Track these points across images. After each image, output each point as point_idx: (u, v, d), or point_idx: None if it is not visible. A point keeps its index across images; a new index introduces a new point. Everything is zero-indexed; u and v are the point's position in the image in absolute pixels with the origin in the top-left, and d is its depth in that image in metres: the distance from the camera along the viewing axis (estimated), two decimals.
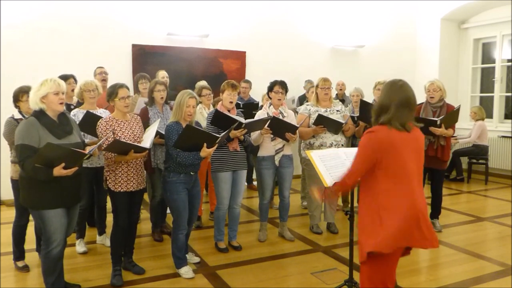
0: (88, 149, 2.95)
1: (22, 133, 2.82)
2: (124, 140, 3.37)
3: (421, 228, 2.34)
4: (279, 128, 4.21)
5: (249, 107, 5.67)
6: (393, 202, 2.34)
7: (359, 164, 2.44)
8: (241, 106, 5.69)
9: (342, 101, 6.48)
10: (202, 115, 4.64)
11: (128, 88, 3.54)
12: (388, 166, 2.35)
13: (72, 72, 4.81)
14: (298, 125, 4.30)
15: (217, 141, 3.51)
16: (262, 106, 5.53)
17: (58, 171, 2.76)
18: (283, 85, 4.37)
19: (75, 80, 4.65)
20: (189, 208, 3.68)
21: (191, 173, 3.64)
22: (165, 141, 3.59)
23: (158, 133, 3.78)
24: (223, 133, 3.63)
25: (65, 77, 4.62)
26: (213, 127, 3.94)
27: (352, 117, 4.64)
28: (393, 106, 2.36)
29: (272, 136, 4.35)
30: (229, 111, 4.11)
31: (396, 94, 2.39)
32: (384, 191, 2.36)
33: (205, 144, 3.45)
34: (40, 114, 2.88)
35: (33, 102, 2.89)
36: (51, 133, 2.86)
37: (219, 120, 3.93)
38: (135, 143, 3.43)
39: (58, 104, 2.90)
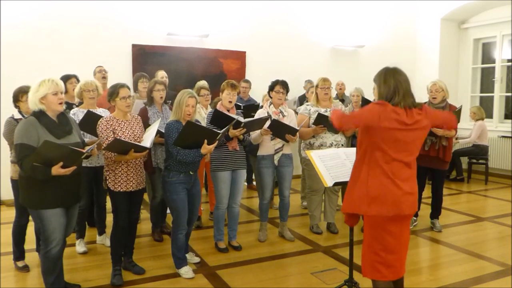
0: (86, 148, 2.95)
1: (21, 132, 2.82)
2: (124, 140, 3.37)
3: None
4: (279, 129, 4.22)
5: (250, 109, 5.66)
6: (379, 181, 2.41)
7: (359, 116, 2.49)
8: (242, 108, 5.69)
9: (342, 100, 6.49)
10: (200, 115, 4.64)
11: (129, 88, 3.53)
12: (380, 142, 2.40)
13: (72, 72, 4.80)
14: (298, 128, 4.30)
15: (217, 137, 3.50)
16: (262, 106, 5.53)
17: (56, 170, 2.76)
18: (284, 85, 4.38)
19: (78, 80, 4.65)
20: (189, 208, 3.68)
21: (191, 172, 3.64)
22: (165, 139, 3.60)
23: (158, 132, 3.78)
24: (223, 129, 3.63)
25: (67, 77, 4.63)
26: (212, 127, 3.95)
27: None
28: (400, 85, 2.43)
29: (272, 136, 4.35)
30: (228, 110, 4.11)
31: (398, 74, 2.47)
32: (374, 168, 2.43)
33: (205, 141, 3.44)
34: (39, 114, 2.88)
35: (32, 103, 2.89)
36: (50, 133, 2.86)
37: (219, 119, 3.94)
38: (135, 143, 3.43)
39: (58, 104, 2.90)
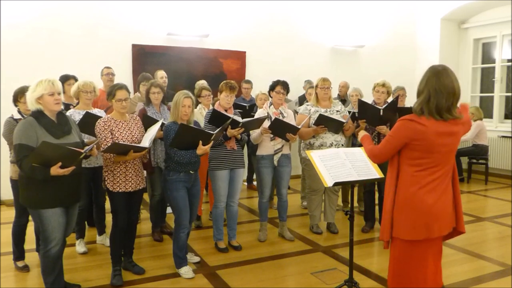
0: (85, 148, 2.94)
1: (20, 133, 2.82)
2: (122, 142, 3.37)
3: (439, 221, 2.35)
4: (280, 128, 4.22)
5: (253, 109, 5.67)
6: (415, 193, 2.33)
7: (388, 144, 2.41)
8: (247, 107, 5.68)
9: (343, 101, 6.48)
10: (201, 115, 4.64)
11: (128, 90, 3.53)
12: (416, 156, 2.33)
13: (72, 72, 4.82)
14: (299, 126, 4.30)
15: (212, 138, 3.54)
16: (256, 106, 5.50)
17: (55, 170, 2.76)
18: (284, 85, 4.38)
19: (76, 81, 4.65)
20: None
21: (191, 171, 3.65)
22: (164, 141, 3.62)
23: (162, 125, 3.78)
24: (217, 130, 3.66)
25: (66, 78, 4.63)
26: (210, 126, 3.96)
27: (353, 114, 4.62)
28: (431, 93, 2.28)
29: (271, 136, 4.35)
30: (226, 110, 4.12)
31: (440, 79, 2.30)
32: (409, 181, 2.35)
33: (200, 142, 3.48)
34: (38, 114, 2.88)
35: (30, 102, 2.90)
36: (49, 133, 2.86)
37: (217, 119, 3.94)
38: (134, 144, 3.42)
39: (54, 104, 2.89)
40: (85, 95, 4.11)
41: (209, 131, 3.62)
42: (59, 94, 2.92)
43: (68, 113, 4.01)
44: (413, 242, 2.38)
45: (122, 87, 3.47)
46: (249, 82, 6.69)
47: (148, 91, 4.38)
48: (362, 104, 4.49)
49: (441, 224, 2.37)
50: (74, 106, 4.35)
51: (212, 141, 3.58)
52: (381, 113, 4.35)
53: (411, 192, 2.34)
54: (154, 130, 3.54)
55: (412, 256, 2.41)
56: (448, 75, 2.32)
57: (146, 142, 3.44)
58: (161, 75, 5.58)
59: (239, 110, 4.55)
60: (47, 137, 2.81)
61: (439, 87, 2.28)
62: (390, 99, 4.82)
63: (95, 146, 3.06)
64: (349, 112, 4.66)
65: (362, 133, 2.86)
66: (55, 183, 2.86)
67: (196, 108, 4.85)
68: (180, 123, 3.44)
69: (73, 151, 2.80)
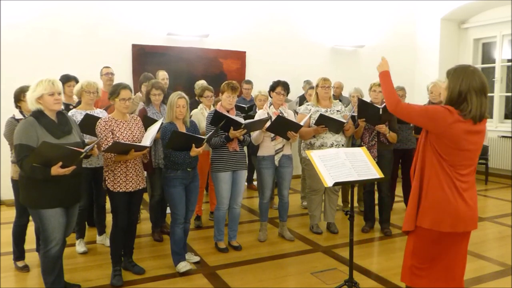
0: (85, 148, 2.94)
1: (20, 133, 2.82)
2: (123, 141, 3.37)
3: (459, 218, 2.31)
4: (282, 127, 4.21)
5: (253, 109, 5.68)
6: (444, 190, 2.29)
7: (425, 109, 2.31)
8: (247, 108, 5.68)
9: (339, 101, 6.48)
10: (203, 115, 4.65)
11: (131, 90, 3.54)
12: (446, 152, 2.28)
13: (72, 72, 4.80)
14: (302, 123, 4.29)
15: (203, 142, 3.65)
16: (255, 106, 5.50)
17: (56, 170, 2.75)
18: (285, 86, 4.39)
19: (77, 82, 4.64)
20: (185, 202, 3.73)
21: (188, 169, 3.71)
22: (161, 141, 3.72)
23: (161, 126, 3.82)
24: (210, 133, 3.78)
25: (67, 78, 4.62)
26: (212, 127, 3.95)
27: (353, 117, 4.64)
28: (473, 94, 2.21)
29: (272, 136, 4.35)
30: (228, 111, 4.12)
31: (474, 80, 2.22)
32: (438, 177, 2.30)
33: (193, 144, 3.58)
34: (39, 114, 2.88)
35: (30, 102, 2.90)
36: (49, 133, 2.86)
37: (219, 120, 3.94)
38: (135, 143, 3.43)
39: (54, 104, 2.89)
40: (88, 95, 4.12)
41: (200, 136, 3.72)
42: (59, 94, 2.92)
43: (70, 113, 4.02)
44: (439, 236, 2.33)
45: (126, 86, 3.48)
46: (249, 82, 6.70)
47: (149, 92, 4.38)
48: (362, 103, 4.50)
49: (467, 221, 2.32)
50: (74, 106, 4.35)
51: (205, 143, 3.69)
52: (381, 112, 4.36)
53: (439, 188, 2.30)
54: (154, 129, 3.54)
55: (434, 255, 2.37)
56: (482, 74, 2.28)
57: (147, 141, 3.45)
58: (162, 76, 5.58)
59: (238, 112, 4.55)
60: (47, 137, 2.81)
61: (480, 87, 2.23)
62: None
63: (95, 146, 3.06)
64: (352, 116, 4.66)
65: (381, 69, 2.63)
66: (55, 183, 2.86)
67: (197, 108, 4.86)
68: (173, 130, 3.53)
69: (74, 150, 2.80)
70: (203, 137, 3.71)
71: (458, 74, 2.27)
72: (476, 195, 2.40)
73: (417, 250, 2.41)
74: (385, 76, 2.56)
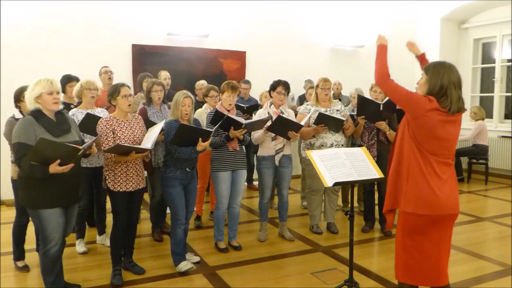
0: (83, 145, 2.94)
1: (18, 131, 2.82)
2: (124, 143, 3.36)
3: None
4: (283, 126, 4.21)
5: (252, 109, 5.68)
6: (423, 178, 2.35)
7: (407, 91, 2.42)
8: (245, 108, 5.69)
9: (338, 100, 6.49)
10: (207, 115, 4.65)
11: (129, 87, 3.54)
12: (423, 139, 2.35)
13: (72, 72, 4.80)
14: (302, 123, 4.29)
15: (211, 135, 3.64)
16: (261, 105, 5.53)
17: (54, 168, 2.75)
18: (286, 86, 4.38)
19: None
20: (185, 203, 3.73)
21: (187, 169, 3.70)
22: (165, 138, 3.68)
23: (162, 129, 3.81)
24: (216, 126, 3.78)
25: (68, 79, 4.61)
26: (212, 126, 3.96)
27: (352, 116, 4.64)
28: (452, 87, 2.33)
29: (273, 136, 4.35)
30: (228, 111, 4.12)
31: (452, 74, 2.35)
32: (417, 166, 2.36)
33: (200, 139, 3.56)
34: (37, 113, 2.88)
35: (28, 102, 2.90)
36: (48, 131, 2.85)
37: (219, 119, 3.94)
38: (136, 145, 3.43)
39: (53, 104, 2.89)
40: (89, 93, 4.11)
41: (208, 129, 3.71)
42: (57, 93, 2.92)
43: (71, 112, 4.02)
44: (422, 228, 2.38)
45: (124, 84, 3.49)
46: (247, 82, 6.70)
47: (149, 90, 4.38)
48: (362, 99, 4.49)
49: (445, 204, 2.36)
50: (75, 106, 4.35)
51: (211, 137, 3.68)
52: (381, 108, 4.35)
53: (420, 173, 2.35)
54: (156, 131, 3.53)
55: (423, 245, 2.41)
56: (457, 69, 2.40)
57: (148, 143, 3.43)
58: (164, 76, 5.58)
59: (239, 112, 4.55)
60: (46, 136, 2.80)
61: (457, 81, 2.35)
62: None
63: (94, 144, 3.06)
64: (351, 115, 4.66)
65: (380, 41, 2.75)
66: (54, 183, 2.85)
67: (201, 108, 4.87)
68: (180, 123, 3.51)
69: (71, 147, 2.79)
70: (210, 130, 3.69)
71: (438, 69, 2.39)
72: (456, 186, 2.45)
73: (405, 243, 2.44)
74: (382, 49, 2.68)
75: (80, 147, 2.84)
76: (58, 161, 2.75)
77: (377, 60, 2.61)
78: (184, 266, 3.69)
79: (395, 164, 2.47)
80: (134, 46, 6.75)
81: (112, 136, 3.38)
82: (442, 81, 2.34)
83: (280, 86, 4.36)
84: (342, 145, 4.56)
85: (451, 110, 2.32)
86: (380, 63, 2.57)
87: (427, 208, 2.35)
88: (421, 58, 2.89)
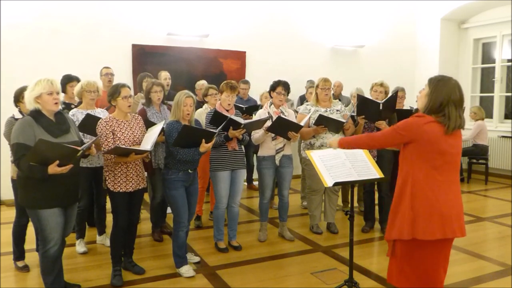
0: (82, 146, 2.94)
1: (17, 132, 2.81)
2: (124, 145, 3.36)
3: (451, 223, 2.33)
4: (283, 127, 4.21)
5: (252, 109, 5.67)
6: (430, 194, 2.32)
7: (388, 135, 2.44)
8: (244, 109, 5.69)
9: (339, 100, 6.49)
10: None
11: (129, 88, 3.53)
12: (426, 155, 2.33)
13: (72, 72, 4.80)
14: (302, 124, 4.29)
15: (214, 136, 3.60)
16: (261, 105, 5.53)
17: (53, 168, 2.74)
18: (286, 86, 4.38)
19: (79, 82, 4.64)
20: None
21: (189, 171, 3.67)
22: (166, 139, 3.64)
23: (162, 130, 3.79)
24: (219, 128, 3.73)
25: (69, 79, 4.62)
26: (211, 126, 3.96)
27: (352, 116, 4.64)
28: (452, 106, 2.30)
29: (273, 135, 4.35)
30: (227, 111, 4.12)
31: (454, 93, 2.31)
32: (423, 182, 2.33)
33: (203, 140, 3.52)
34: (36, 114, 2.87)
35: (28, 102, 2.89)
36: (47, 132, 2.85)
37: (218, 119, 3.95)
38: (135, 146, 3.42)
39: (53, 104, 2.88)
40: (89, 95, 4.11)
41: (211, 130, 3.67)
42: (57, 93, 2.91)
43: (71, 112, 4.02)
44: (426, 242, 2.35)
45: (125, 85, 3.49)
46: (247, 82, 6.70)
47: (149, 90, 4.37)
48: (362, 99, 4.50)
49: (455, 226, 2.34)
50: (76, 106, 4.35)
51: (215, 139, 3.63)
52: (381, 108, 4.35)
53: (426, 193, 2.32)
54: (155, 131, 3.52)
55: (426, 257, 2.39)
56: (461, 88, 2.36)
57: (148, 144, 3.42)
58: (164, 76, 5.58)
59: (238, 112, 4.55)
60: (45, 136, 2.80)
61: (459, 100, 2.32)
62: None
63: (93, 145, 3.05)
64: (352, 116, 4.66)
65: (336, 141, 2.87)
66: (53, 183, 2.85)
67: (202, 107, 4.86)
68: (183, 124, 3.48)
69: (70, 148, 2.79)
70: (214, 131, 3.65)
71: (441, 85, 2.34)
72: (461, 205, 2.41)
73: (409, 259, 2.43)
74: (344, 142, 2.82)
75: (79, 148, 2.84)
76: (57, 161, 2.75)
77: (355, 146, 2.78)
78: (186, 272, 3.67)
79: (398, 189, 2.43)
80: (134, 46, 6.75)
81: (112, 136, 3.38)
82: (442, 98, 2.31)
83: (280, 86, 4.36)
84: None
85: (449, 128, 2.29)
86: (357, 143, 2.72)
87: (437, 232, 2.30)
88: (343, 142, 2.91)
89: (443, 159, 2.32)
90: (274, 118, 4.23)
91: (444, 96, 2.30)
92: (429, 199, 2.31)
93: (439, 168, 2.32)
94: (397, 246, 2.48)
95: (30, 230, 3.84)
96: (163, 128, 3.68)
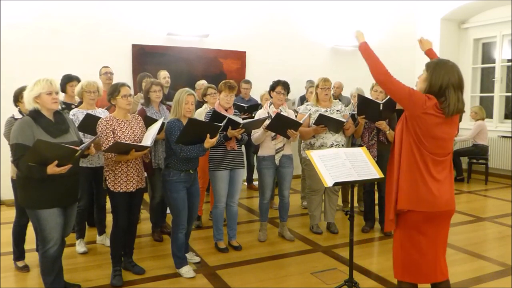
0: (81, 146, 2.93)
1: (16, 132, 2.81)
2: (124, 141, 3.36)
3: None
4: (282, 124, 4.21)
5: (253, 109, 5.68)
6: (420, 177, 2.34)
7: (400, 84, 2.39)
8: (246, 108, 5.69)
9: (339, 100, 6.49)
10: None
11: (129, 87, 3.53)
12: (420, 140, 2.34)
13: (72, 72, 4.79)
14: (301, 121, 4.29)
15: (219, 130, 3.58)
16: (261, 105, 5.53)
17: (52, 168, 2.74)
18: (285, 86, 4.38)
19: (79, 82, 4.64)
20: (188, 206, 3.69)
21: (191, 171, 3.65)
22: (167, 138, 3.59)
23: (161, 127, 3.78)
24: (224, 121, 3.72)
25: (69, 79, 4.62)
26: None
27: (353, 116, 4.64)
28: (451, 89, 2.29)
29: (273, 135, 4.35)
30: (226, 110, 4.12)
31: (453, 75, 2.31)
32: (414, 165, 2.35)
33: (208, 135, 3.49)
34: (35, 114, 2.87)
35: (27, 102, 2.89)
36: (46, 132, 2.85)
37: (217, 119, 3.95)
38: (136, 143, 3.42)
39: (52, 104, 2.88)
40: (89, 95, 4.12)
41: (217, 124, 3.62)
42: (56, 93, 2.91)
43: (71, 112, 4.03)
44: (419, 225, 2.37)
45: (124, 84, 3.48)
46: (248, 82, 6.71)
47: (148, 90, 4.37)
48: (362, 99, 4.49)
49: (441, 201, 2.37)
50: (76, 106, 4.35)
51: (219, 134, 3.61)
52: (381, 108, 4.35)
53: (416, 174, 2.35)
54: (155, 128, 3.52)
55: (420, 242, 2.40)
56: (460, 70, 2.37)
57: (147, 141, 3.43)
58: (163, 76, 5.58)
59: (237, 111, 4.55)
60: (44, 136, 2.80)
61: (458, 82, 2.32)
62: None
63: (93, 144, 3.05)
64: (352, 115, 4.66)
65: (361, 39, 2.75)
66: (53, 183, 2.85)
67: (201, 107, 4.86)
68: (189, 118, 3.45)
69: (69, 148, 2.78)
70: (219, 124, 3.60)
71: (439, 68, 2.35)
72: (452, 184, 2.45)
73: (403, 241, 2.45)
74: (366, 46, 2.67)
75: (78, 148, 2.83)
76: (56, 162, 2.74)
77: (368, 60, 2.54)
78: (186, 272, 3.67)
79: (393, 163, 2.47)
80: (134, 46, 6.75)
81: (112, 136, 3.37)
82: (441, 81, 2.31)
83: (279, 86, 4.36)
84: (342, 145, 4.56)
85: (449, 112, 2.29)
86: (374, 61, 2.50)
87: (424, 205, 2.34)
88: (429, 53, 2.96)
89: (436, 143, 2.35)
90: (275, 114, 4.23)
91: (443, 79, 2.31)
92: (421, 178, 2.34)
93: (432, 151, 2.35)
94: (396, 233, 2.51)
95: (30, 230, 3.84)
96: (163, 123, 3.67)
